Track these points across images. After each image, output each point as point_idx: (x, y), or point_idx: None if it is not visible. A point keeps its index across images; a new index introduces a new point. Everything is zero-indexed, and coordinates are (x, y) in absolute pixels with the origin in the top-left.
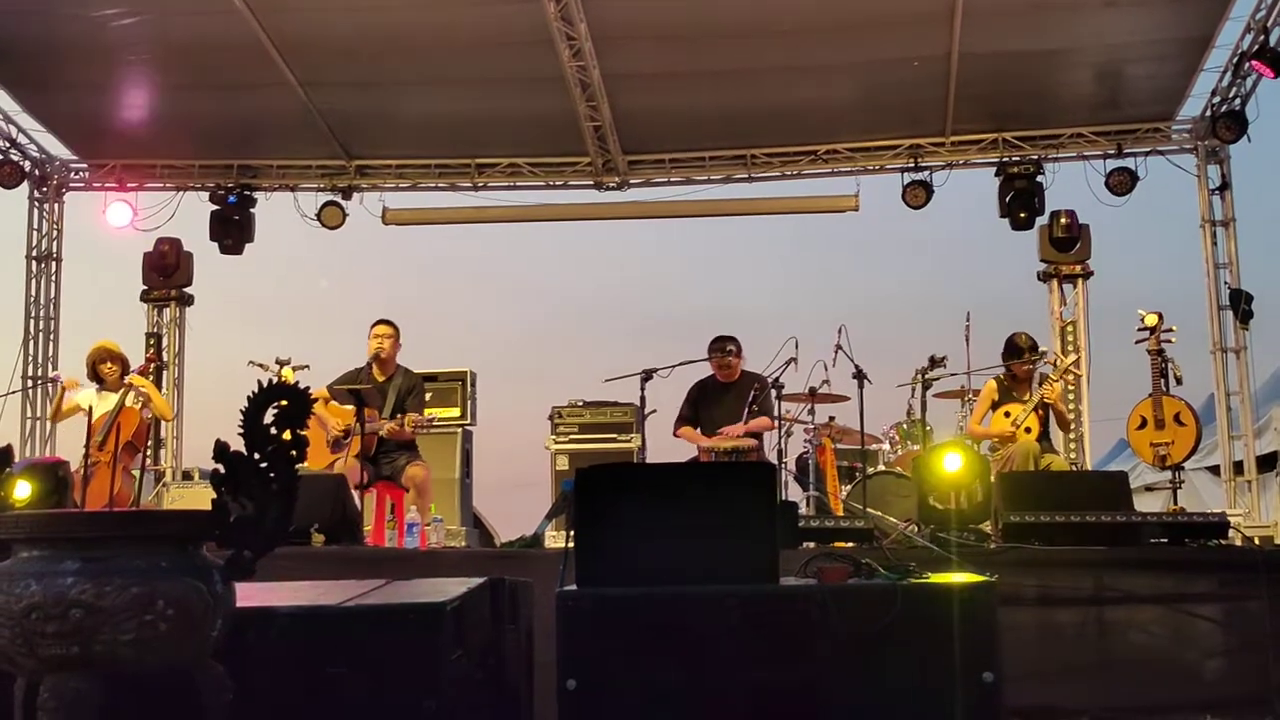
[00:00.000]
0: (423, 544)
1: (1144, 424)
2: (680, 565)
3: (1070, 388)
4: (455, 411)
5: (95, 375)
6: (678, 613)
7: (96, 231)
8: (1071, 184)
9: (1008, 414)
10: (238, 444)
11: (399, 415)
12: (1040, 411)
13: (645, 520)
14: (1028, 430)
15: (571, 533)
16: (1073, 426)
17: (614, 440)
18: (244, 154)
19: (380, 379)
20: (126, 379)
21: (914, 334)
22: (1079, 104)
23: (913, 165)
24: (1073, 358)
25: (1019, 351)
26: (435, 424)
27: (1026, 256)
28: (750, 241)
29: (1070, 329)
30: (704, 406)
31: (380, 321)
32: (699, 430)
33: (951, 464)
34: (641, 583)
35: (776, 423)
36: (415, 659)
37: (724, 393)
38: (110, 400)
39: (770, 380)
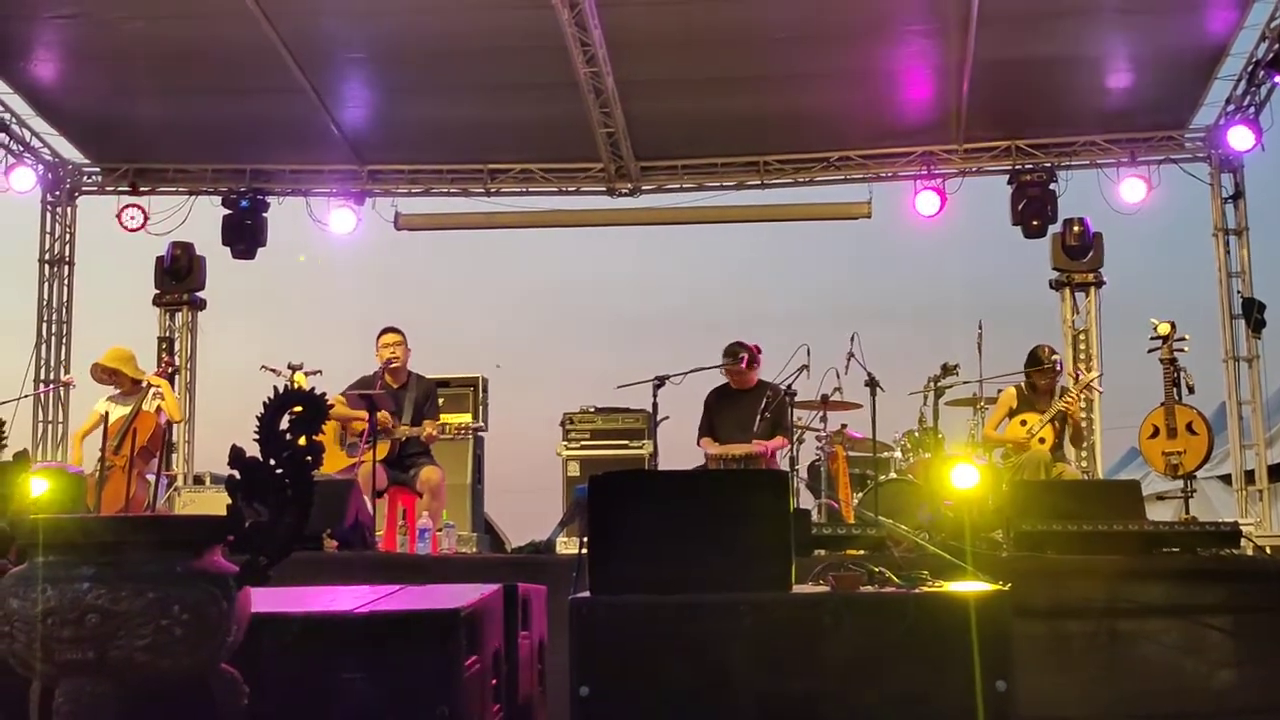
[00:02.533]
0: (434, 550)
1: (1156, 433)
2: (693, 572)
3: (1087, 401)
4: (467, 417)
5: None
6: (691, 620)
7: (109, 235)
8: (1084, 192)
9: (1024, 422)
10: (252, 449)
11: (428, 423)
12: (1056, 424)
13: (658, 527)
14: (1041, 440)
15: (584, 539)
16: (1086, 441)
17: (626, 446)
18: (257, 158)
19: (394, 386)
20: (144, 380)
21: (926, 342)
22: (1092, 112)
23: (925, 172)
24: (1094, 375)
25: (1041, 363)
26: (449, 431)
27: (1039, 264)
28: (763, 248)
29: (1082, 337)
30: (718, 414)
31: (387, 330)
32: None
33: (963, 480)
34: (655, 590)
35: (790, 436)
36: (429, 665)
37: (738, 400)
38: (126, 405)
39: (784, 389)
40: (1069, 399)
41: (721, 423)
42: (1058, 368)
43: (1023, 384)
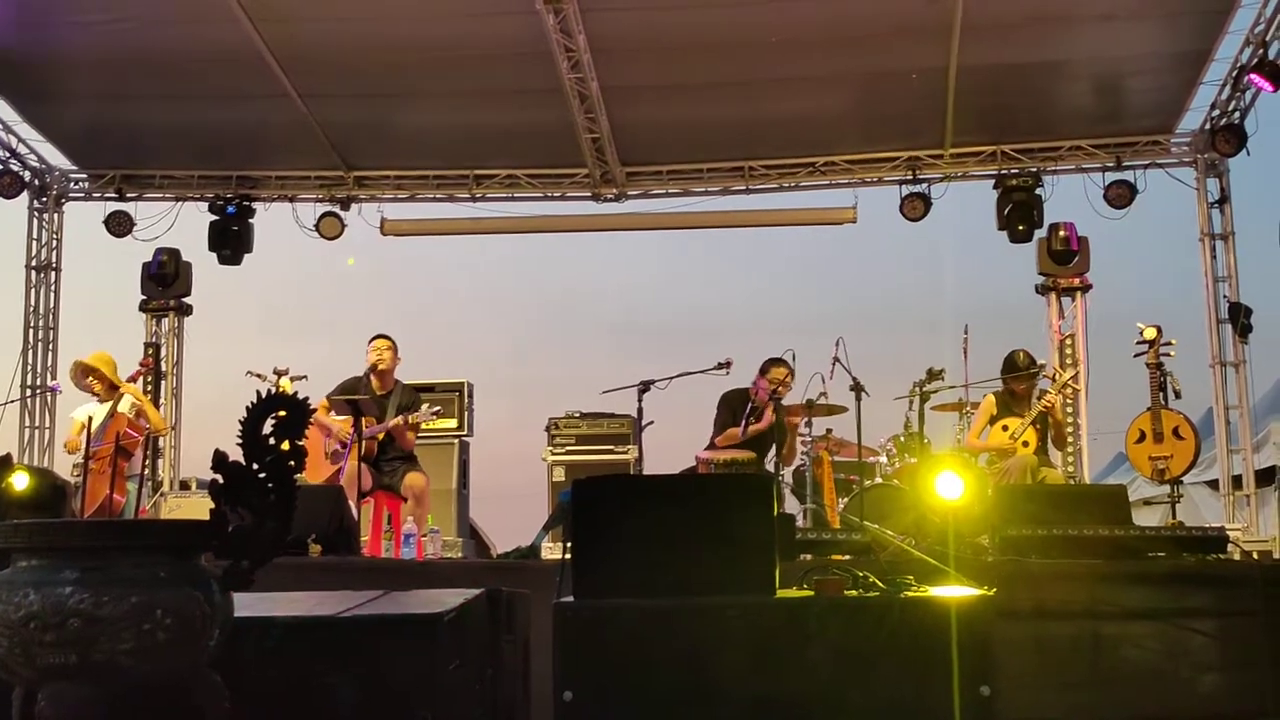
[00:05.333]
0: (419, 555)
1: (1143, 438)
2: (678, 577)
3: (1069, 402)
4: (452, 422)
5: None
6: (675, 624)
7: (96, 241)
8: (1070, 197)
9: (1006, 428)
10: (236, 454)
11: (402, 415)
12: (1038, 426)
13: (642, 531)
14: (1025, 444)
15: (569, 544)
16: (1070, 442)
17: (611, 452)
18: (243, 165)
19: (379, 391)
20: (119, 388)
21: (912, 346)
22: (1078, 117)
23: (911, 177)
24: (1070, 373)
25: (1017, 369)
26: (439, 416)
27: (1025, 269)
28: (749, 253)
29: (1069, 342)
30: (737, 415)
31: (379, 336)
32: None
33: (948, 490)
34: (638, 594)
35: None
36: (412, 669)
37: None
38: (104, 409)
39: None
40: (1048, 399)
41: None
42: (1035, 365)
43: (1001, 390)
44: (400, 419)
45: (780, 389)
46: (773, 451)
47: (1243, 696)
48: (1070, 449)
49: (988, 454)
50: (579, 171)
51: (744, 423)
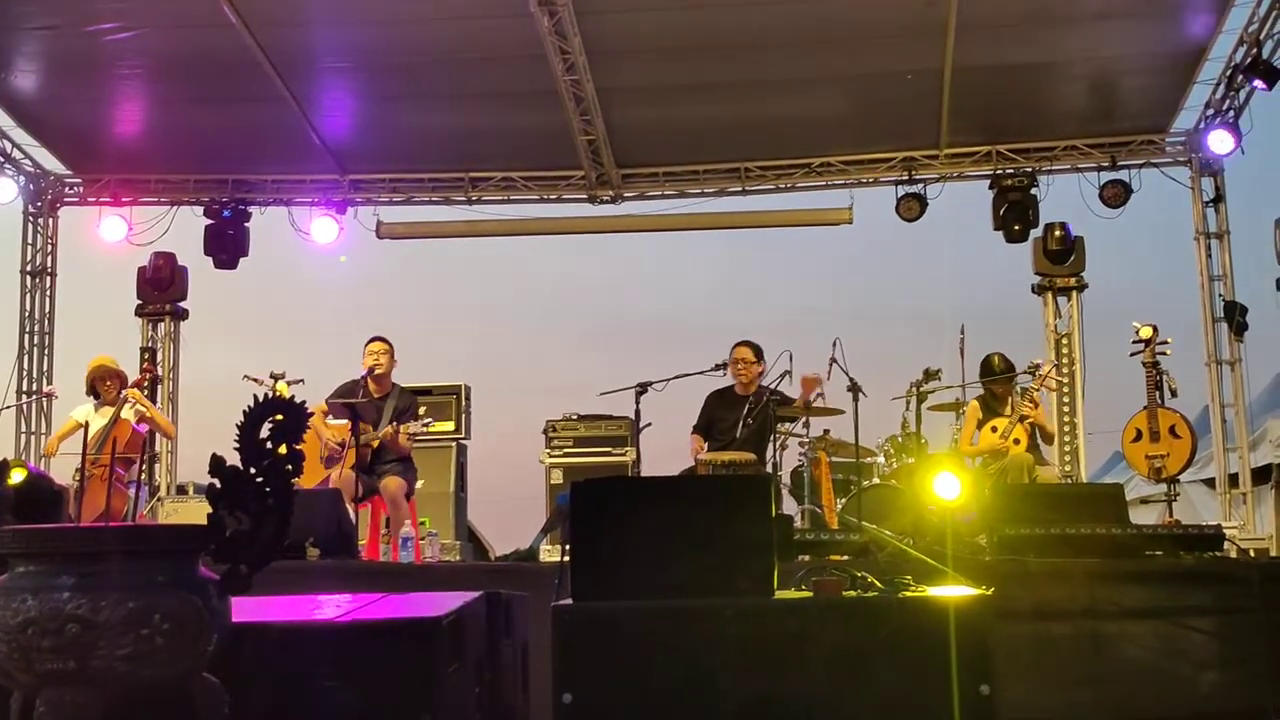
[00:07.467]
0: (417, 558)
1: (1139, 436)
2: (676, 578)
3: (1056, 393)
4: (450, 425)
5: (94, 391)
6: (673, 626)
7: (91, 246)
8: (1066, 196)
9: (994, 429)
10: (234, 459)
11: (394, 424)
12: (1026, 424)
13: (641, 533)
14: (1016, 442)
15: (567, 546)
16: (1061, 438)
17: (609, 454)
18: (239, 169)
19: (376, 395)
20: (124, 393)
21: (909, 347)
22: (1073, 116)
23: (906, 178)
24: (1049, 366)
25: (993, 372)
26: (429, 427)
27: (1021, 269)
28: (745, 254)
29: (1065, 341)
30: (716, 417)
31: (376, 338)
32: (705, 441)
33: (945, 490)
34: (637, 596)
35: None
36: (411, 673)
37: (738, 404)
38: (106, 414)
39: (769, 392)
40: (1029, 400)
41: (718, 426)
42: (1012, 367)
43: (983, 393)
44: (390, 428)
45: (744, 369)
46: (771, 449)
47: (1240, 694)
48: (1067, 447)
49: (981, 457)
50: (575, 173)
51: (740, 423)
